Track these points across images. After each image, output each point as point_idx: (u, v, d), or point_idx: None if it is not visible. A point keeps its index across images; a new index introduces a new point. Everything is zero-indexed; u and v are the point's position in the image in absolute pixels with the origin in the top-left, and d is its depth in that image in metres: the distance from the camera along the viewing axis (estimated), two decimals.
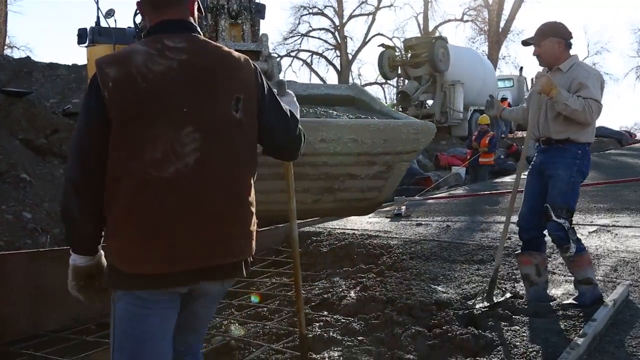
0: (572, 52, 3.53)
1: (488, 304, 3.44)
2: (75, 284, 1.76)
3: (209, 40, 1.77)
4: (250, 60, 1.81)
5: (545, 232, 3.52)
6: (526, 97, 4.09)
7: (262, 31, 5.10)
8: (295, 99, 2.29)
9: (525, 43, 3.59)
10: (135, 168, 1.59)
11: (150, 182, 1.59)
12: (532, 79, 3.96)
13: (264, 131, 1.82)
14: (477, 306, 3.44)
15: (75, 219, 1.66)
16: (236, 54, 1.79)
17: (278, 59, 4.82)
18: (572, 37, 3.52)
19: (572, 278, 3.57)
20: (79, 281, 1.76)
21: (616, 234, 5.43)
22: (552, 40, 3.45)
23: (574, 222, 3.46)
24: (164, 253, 1.60)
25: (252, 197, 1.81)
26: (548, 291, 3.70)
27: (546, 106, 3.46)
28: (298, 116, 2.05)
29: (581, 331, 2.87)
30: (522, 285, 3.76)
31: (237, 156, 1.72)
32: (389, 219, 7.16)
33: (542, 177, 3.53)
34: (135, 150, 1.59)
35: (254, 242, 1.81)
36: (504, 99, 19.63)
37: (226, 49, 1.78)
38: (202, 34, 1.79)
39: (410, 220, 7.02)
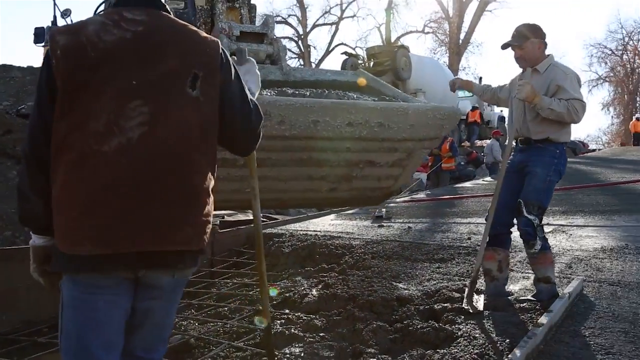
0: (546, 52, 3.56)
1: (477, 309, 3.35)
2: (36, 267, 1.67)
3: (175, 19, 1.69)
4: (220, 44, 1.72)
5: (513, 229, 3.56)
6: (495, 86, 4.05)
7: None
8: (256, 68, 2.19)
9: (505, 46, 3.57)
10: (75, 140, 1.50)
11: (89, 155, 1.50)
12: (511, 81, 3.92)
13: (222, 117, 1.70)
14: (471, 310, 3.33)
15: (26, 195, 1.59)
16: (203, 33, 1.71)
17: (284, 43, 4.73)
18: (546, 37, 3.56)
19: (531, 275, 3.63)
20: (40, 264, 1.66)
21: (571, 234, 5.59)
22: (533, 42, 3.48)
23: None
24: (99, 233, 1.49)
25: (209, 185, 1.67)
26: (506, 287, 3.77)
27: (524, 107, 3.47)
28: (259, 85, 2.00)
29: (538, 321, 2.92)
30: (482, 280, 3.81)
31: (190, 136, 1.60)
32: (355, 222, 7.17)
33: (518, 176, 3.54)
34: (77, 121, 1.50)
35: (206, 235, 1.65)
36: (475, 108, 20.10)
37: (191, 27, 1.69)
38: (170, 13, 1.71)
39: (392, 222, 7.01)
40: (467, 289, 3.52)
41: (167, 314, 1.76)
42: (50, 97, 1.52)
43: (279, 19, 34.77)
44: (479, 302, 3.39)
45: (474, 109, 21.84)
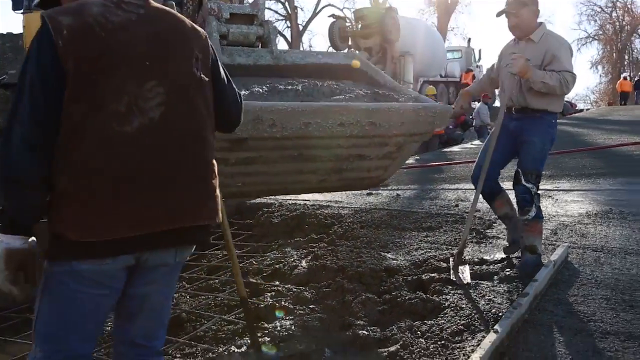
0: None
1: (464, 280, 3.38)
2: (8, 274, 1.48)
3: (164, 6, 1.72)
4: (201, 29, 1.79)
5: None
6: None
7: None
8: None
9: (500, 13, 3.52)
10: (96, 122, 1.47)
11: (112, 138, 1.48)
12: (505, 54, 3.83)
13: (217, 94, 1.77)
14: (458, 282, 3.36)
15: (25, 184, 1.46)
16: (189, 22, 1.74)
17: (274, 24, 4.59)
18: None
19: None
20: (14, 270, 1.49)
21: (557, 199, 5.65)
22: (529, 9, 3.44)
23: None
24: (128, 214, 1.50)
25: (214, 161, 1.75)
26: (493, 255, 3.84)
27: (519, 78, 3.45)
28: None
29: (523, 291, 2.99)
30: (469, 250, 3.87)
31: (200, 115, 1.67)
32: None
33: (511, 140, 3.59)
34: (96, 102, 1.47)
35: (219, 208, 1.74)
36: (469, 70, 20.01)
37: (180, 15, 1.74)
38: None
39: (381, 190, 6.90)
40: (453, 260, 3.57)
41: (165, 298, 1.78)
42: (58, 81, 1.46)
43: None
44: (465, 272, 3.44)
45: (467, 71, 21.75)
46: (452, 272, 3.46)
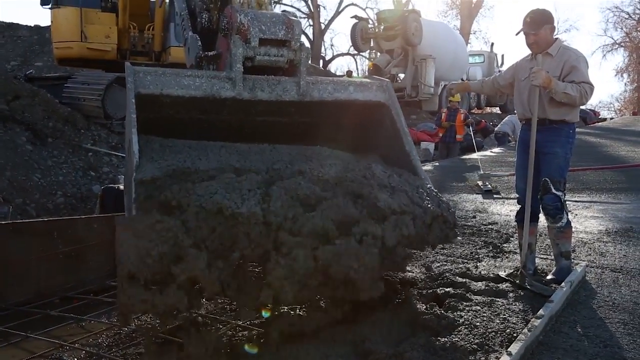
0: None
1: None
2: None
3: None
4: None
5: None
6: (497, 72, 4.18)
7: None
8: None
9: (519, 33, 3.69)
10: None
11: None
12: (527, 61, 3.86)
13: None
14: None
15: None
16: None
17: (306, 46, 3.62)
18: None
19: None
20: None
21: (576, 214, 5.60)
22: (546, 28, 3.62)
23: None
24: None
25: None
26: (509, 271, 3.84)
27: (540, 90, 3.57)
28: None
29: (538, 313, 2.97)
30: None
31: None
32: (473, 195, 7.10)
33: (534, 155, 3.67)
34: None
35: None
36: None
37: None
38: None
39: (501, 196, 6.94)
40: (523, 275, 3.60)
41: None
42: None
43: None
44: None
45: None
46: (527, 284, 3.52)
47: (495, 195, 6.97)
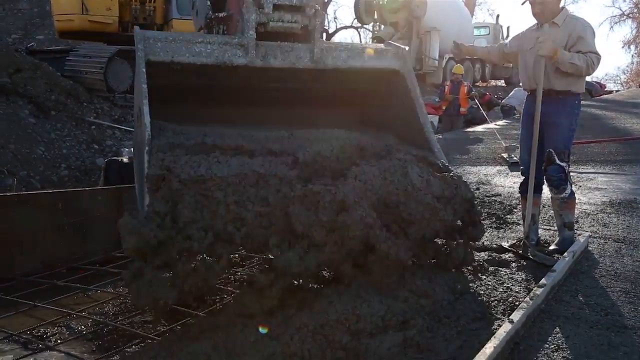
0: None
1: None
2: None
3: None
4: None
5: None
6: (496, 45, 4.12)
7: None
8: None
9: (527, 2, 3.61)
10: None
11: None
12: (539, 34, 3.73)
13: None
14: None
15: None
16: None
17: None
18: None
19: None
20: None
21: (580, 186, 5.59)
22: None
23: None
24: None
25: None
26: (511, 241, 3.85)
27: (545, 60, 3.50)
28: None
29: (540, 282, 2.99)
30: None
31: None
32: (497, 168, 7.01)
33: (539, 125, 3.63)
34: None
35: None
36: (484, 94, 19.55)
37: None
38: None
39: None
40: (526, 245, 3.62)
41: None
42: None
43: None
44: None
45: (483, 95, 21.23)
46: (533, 255, 3.54)
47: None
